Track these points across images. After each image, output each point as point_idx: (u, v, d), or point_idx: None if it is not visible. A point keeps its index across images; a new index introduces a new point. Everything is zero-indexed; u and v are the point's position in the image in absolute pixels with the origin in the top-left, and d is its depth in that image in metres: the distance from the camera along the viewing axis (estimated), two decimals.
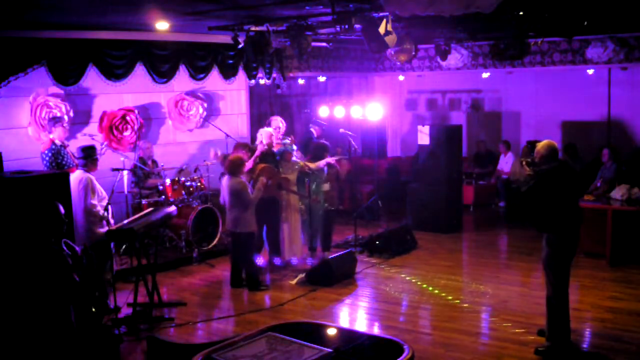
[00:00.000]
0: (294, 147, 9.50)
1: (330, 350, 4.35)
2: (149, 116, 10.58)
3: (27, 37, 8.28)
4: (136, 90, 10.04)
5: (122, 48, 9.31)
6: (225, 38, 9.62)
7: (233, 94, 11.80)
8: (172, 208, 7.94)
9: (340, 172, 9.80)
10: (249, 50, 8.75)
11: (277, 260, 9.09)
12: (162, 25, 8.84)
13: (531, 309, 7.17)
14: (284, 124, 10.28)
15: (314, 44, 9.41)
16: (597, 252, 9.00)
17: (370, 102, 11.04)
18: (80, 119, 9.61)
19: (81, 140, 9.14)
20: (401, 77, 14.70)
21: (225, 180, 8.25)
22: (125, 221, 7.37)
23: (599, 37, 11.35)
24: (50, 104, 9.06)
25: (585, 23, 9.11)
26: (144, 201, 9.20)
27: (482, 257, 9.65)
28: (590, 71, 12.23)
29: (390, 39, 7.55)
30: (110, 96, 9.84)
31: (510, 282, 8.33)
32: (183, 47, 10.09)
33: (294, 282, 8.40)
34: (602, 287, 8.00)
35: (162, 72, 9.88)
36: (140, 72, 9.64)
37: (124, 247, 9.11)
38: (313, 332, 4.95)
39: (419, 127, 11.40)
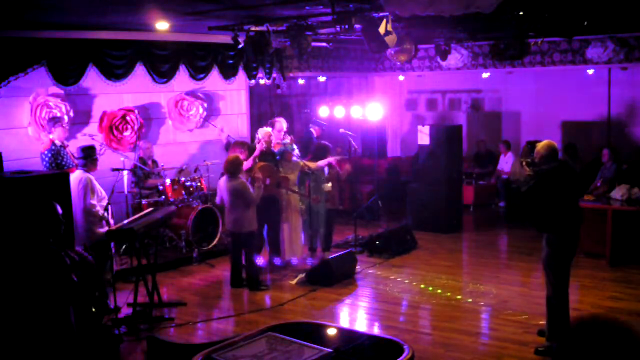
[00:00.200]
0: (294, 146, 9.49)
1: (330, 350, 4.35)
2: (149, 116, 10.58)
3: (27, 37, 8.28)
4: (136, 90, 10.04)
5: (122, 48, 9.31)
6: (225, 38, 9.62)
7: (233, 94, 11.79)
8: (172, 208, 7.94)
9: (341, 173, 9.79)
10: (249, 50, 8.75)
11: (277, 260, 9.09)
12: (162, 25, 8.84)
13: (531, 309, 7.16)
14: (286, 125, 10.28)
15: (314, 44, 9.40)
16: (597, 252, 8.99)
17: (370, 102, 11.02)
18: (80, 119, 9.60)
19: (81, 140, 9.13)
20: (401, 77, 14.68)
21: (223, 180, 8.21)
22: (125, 221, 7.38)
23: (599, 37, 11.33)
24: (50, 104, 9.05)
25: (585, 23, 9.11)
26: (144, 201, 9.20)
27: (482, 257, 9.65)
28: (590, 71, 12.21)
29: (390, 39, 7.54)
30: (110, 96, 9.83)
31: (510, 282, 8.33)
32: (183, 47, 10.09)
33: (294, 282, 8.40)
34: (602, 287, 8.00)
35: (162, 72, 9.88)
36: (140, 72, 9.64)
37: (124, 247, 9.10)
38: (313, 332, 4.95)
39: (419, 127, 11.40)
